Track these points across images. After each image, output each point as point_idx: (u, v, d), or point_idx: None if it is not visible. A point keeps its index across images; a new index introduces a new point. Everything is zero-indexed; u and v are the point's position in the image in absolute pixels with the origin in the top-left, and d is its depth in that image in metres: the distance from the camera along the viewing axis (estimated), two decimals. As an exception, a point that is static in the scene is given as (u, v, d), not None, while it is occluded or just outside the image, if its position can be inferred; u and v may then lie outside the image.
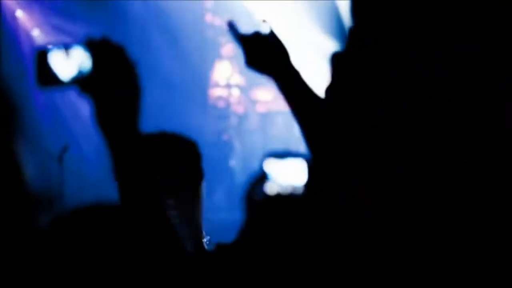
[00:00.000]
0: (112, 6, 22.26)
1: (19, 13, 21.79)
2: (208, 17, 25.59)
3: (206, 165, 17.77)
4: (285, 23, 24.42)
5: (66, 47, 3.77)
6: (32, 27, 22.07)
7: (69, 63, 3.75)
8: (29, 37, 21.97)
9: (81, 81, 3.84)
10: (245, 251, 11.28)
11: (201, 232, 17.43)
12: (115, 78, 3.90)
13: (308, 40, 23.87)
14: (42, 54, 3.81)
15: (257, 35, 6.00)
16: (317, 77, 21.19)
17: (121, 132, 4.13)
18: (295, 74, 6.36)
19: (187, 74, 24.90)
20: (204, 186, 17.79)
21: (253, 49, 5.91)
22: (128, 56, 4.08)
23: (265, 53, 5.94)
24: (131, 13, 22.81)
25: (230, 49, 25.89)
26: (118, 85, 4.01)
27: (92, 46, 3.80)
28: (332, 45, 23.80)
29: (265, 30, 5.96)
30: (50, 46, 3.71)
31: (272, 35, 5.99)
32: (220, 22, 25.81)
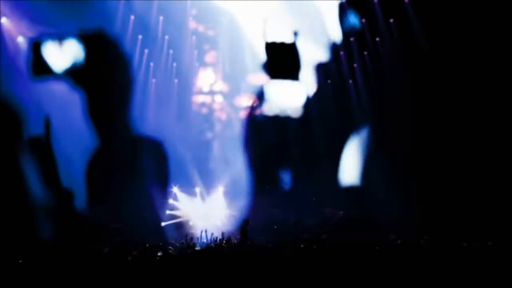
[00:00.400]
0: (97, 14, 22.21)
1: (4, 20, 21.64)
2: (193, 24, 25.48)
3: (189, 168, 17.63)
4: (269, 32, 24.55)
5: (60, 39, 3.81)
6: (17, 34, 21.95)
7: (63, 55, 3.78)
8: (15, 44, 21.86)
9: (74, 73, 3.86)
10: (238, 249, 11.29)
11: (192, 231, 17.18)
12: (107, 71, 3.96)
13: (292, 47, 24.04)
14: (36, 45, 3.83)
15: (282, 45, 6.17)
16: (302, 83, 21.01)
17: (110, 125, 4.21)
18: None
19: (171, 80, 24.99)
20: (188, 187, 17.57)
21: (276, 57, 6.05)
22: (120, 51, 4.12)
23: (284, 62, 6.10)
24: (117, 19, 22.75)
25: (214, 56, 25.95)
26: (110, 79, 4.10)
27: (86, 40, 3.81)
28: (316, 52, 24.06)
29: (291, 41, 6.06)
30: (45, 38, 3.74)
31: (295, 49, 6.18)
32: (203, 29, 25.78)
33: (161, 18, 23.97)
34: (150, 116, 23.26)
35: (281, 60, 24.02)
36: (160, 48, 24.30)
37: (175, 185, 22.91)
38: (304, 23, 24.00)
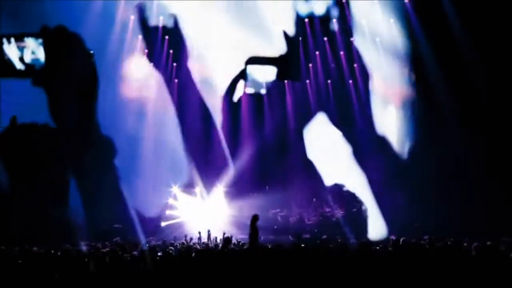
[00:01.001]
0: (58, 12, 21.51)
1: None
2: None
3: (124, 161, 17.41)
4: (205, 22, 24.49)
5: (20, 38, 3.88)
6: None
7: (24, 53, 3.85)
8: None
9: (35, 71, 3.97)
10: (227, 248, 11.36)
11: (192, 231, 16.88)
12: (69, 68, 4.06)
13: (230, 39, 24.00)
14: None
15: None
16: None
17: (73, 122, 4.31)
18: None
19: (104, 69, 24.38)
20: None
21: None
22: (82, 47, 4.19)
23: None
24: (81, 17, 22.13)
25: (143, 44, 25.46)
26: (72, 76, 4.19)
27: (46, 37, 3.91)
28: (255, 45, 24.13)
29: None
30: (4, 37, 3.78)
31: None
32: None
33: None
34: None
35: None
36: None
37: (175, 185, 22.83)
38: (251, 16, 23.91)
